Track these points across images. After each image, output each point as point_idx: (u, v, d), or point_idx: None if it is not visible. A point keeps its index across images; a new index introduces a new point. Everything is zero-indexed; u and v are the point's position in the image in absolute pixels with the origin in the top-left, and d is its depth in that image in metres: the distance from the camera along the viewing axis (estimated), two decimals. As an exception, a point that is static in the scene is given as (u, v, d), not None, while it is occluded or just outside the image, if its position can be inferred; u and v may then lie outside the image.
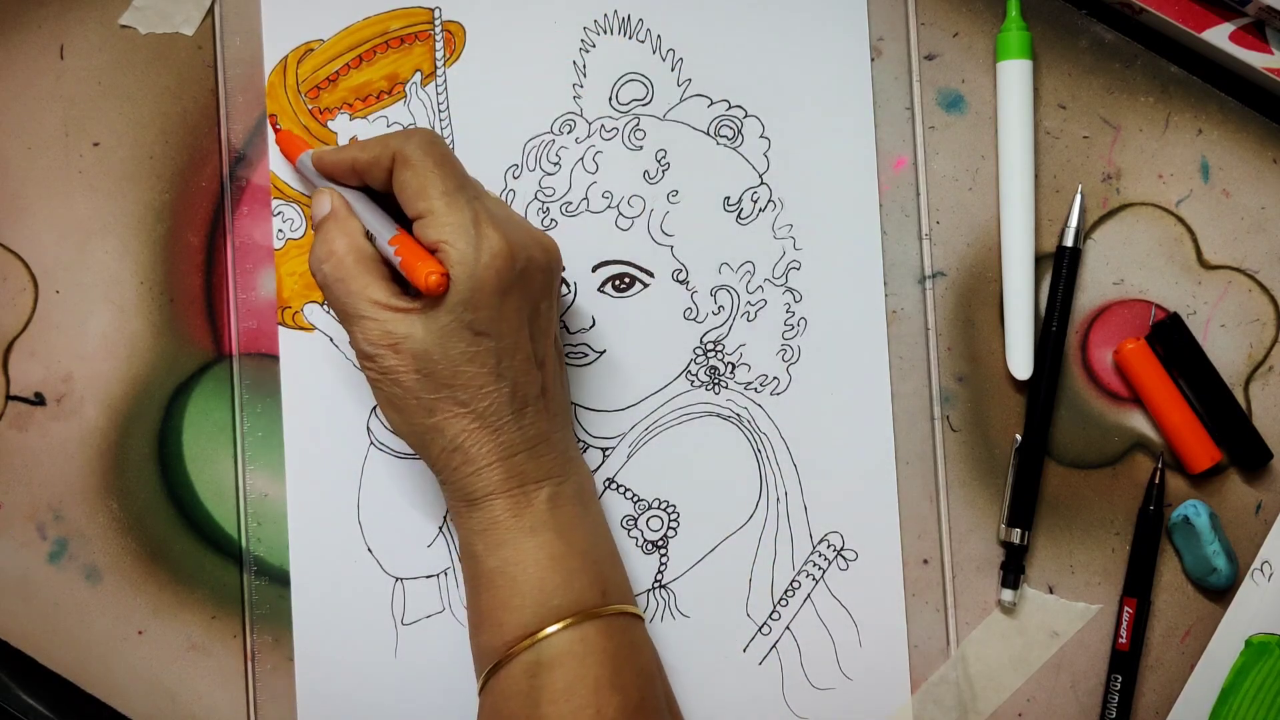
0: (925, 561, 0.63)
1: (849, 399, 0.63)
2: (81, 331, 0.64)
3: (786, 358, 0.64)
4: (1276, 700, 0.61)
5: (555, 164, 0.64)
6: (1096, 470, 0.64)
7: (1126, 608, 0.62)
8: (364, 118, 0.64)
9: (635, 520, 0.63)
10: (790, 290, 0.64)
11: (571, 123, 0.64)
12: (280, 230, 0.64)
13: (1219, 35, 0.63)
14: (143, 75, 0.64)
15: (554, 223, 0.63)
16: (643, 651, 0.57)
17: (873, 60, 0.64)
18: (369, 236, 0.56)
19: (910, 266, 0.64)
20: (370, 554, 0.63)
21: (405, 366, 0.54)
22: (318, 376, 0.63)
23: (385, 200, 0.58)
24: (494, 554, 0.55)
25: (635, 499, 0.63)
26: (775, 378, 0.64)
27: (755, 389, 0.63)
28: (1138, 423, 0.64)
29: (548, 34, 0.64)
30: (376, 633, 0.63)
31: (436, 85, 0.64)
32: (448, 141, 0.63)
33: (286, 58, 0.64)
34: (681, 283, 0.64)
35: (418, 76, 0.64)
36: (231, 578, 0.63)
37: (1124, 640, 0.62)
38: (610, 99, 0.64)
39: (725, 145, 0.64)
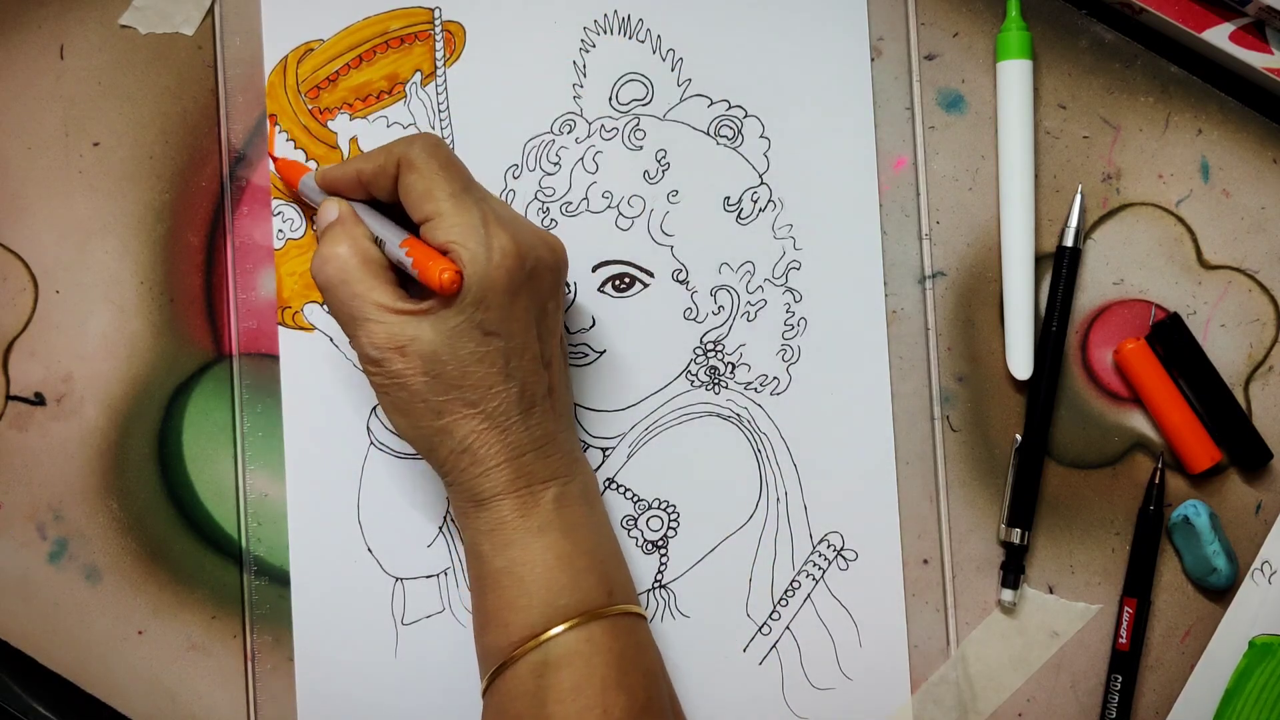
0: (925, 561, 0.63)
1: (849, 399, 0.63)
2: (81, 331, 0.64)
3: (786, 358, 0.64)
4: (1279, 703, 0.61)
5: (555, 164, 0.64)
6: (1096, 470, 0.64)
7: (1126, 608, 0.62)
8: (364, 118, 0.64)
9: (635, 520, 0.63)
10: (790, 290, 0.64)
11: (571, 123, 0.64)
12: (280, 230, 0.64)
13: (1219, 35, 0.63)
14: (143, 75, 0.64)
15: (554, 223, 0.63)
16: (648, 651, 0.57)
17: (873, 60, 0.64)
18: (377, 243, 0.56)
19: (910, 266, 0.64)
20: (370, 554, 0.63)
21: (413, 369, 0.54)
22: (318, 376, 0.63)
23: (391, 212, 0.58)
24: (501, 554, 0.55)
25: (635, 499, 0.63)
26: (775, 378, 0.64)
27: (755, 389, 0.63)
28: (1138, 423, 0.64)
29: (548, 34, 0.64)
30: (376, 633, 0.62)
31: (436, 85, 0.64)
32: (448, 142, 0.63)
33: (286, 58, 0.64)
34: (681, 283, 0.64)
35: (418, 76, 0.64)
36: (231, 578, 0.63)
37: (1124, 640, 0.62)
38: (610, 99, 0.64)
39: (725, 145, 0.64)
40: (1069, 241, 0.63)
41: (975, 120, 0.64)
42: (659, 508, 0.63)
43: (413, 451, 0.63)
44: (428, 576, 0.63)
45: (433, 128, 0.64)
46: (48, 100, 0.64)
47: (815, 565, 0.63)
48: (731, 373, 0.63)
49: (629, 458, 0.63)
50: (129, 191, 0.64)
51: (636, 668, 0.55)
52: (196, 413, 0.64)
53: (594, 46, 0.64)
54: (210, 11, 0.64)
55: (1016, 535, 0.62)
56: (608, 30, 0.64)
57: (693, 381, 0.63)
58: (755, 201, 0.64)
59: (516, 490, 0.55)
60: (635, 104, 0.64)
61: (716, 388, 0.63)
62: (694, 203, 0.64)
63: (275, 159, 0.63)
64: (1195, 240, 0.64)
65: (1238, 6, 0.62)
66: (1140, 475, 0.63)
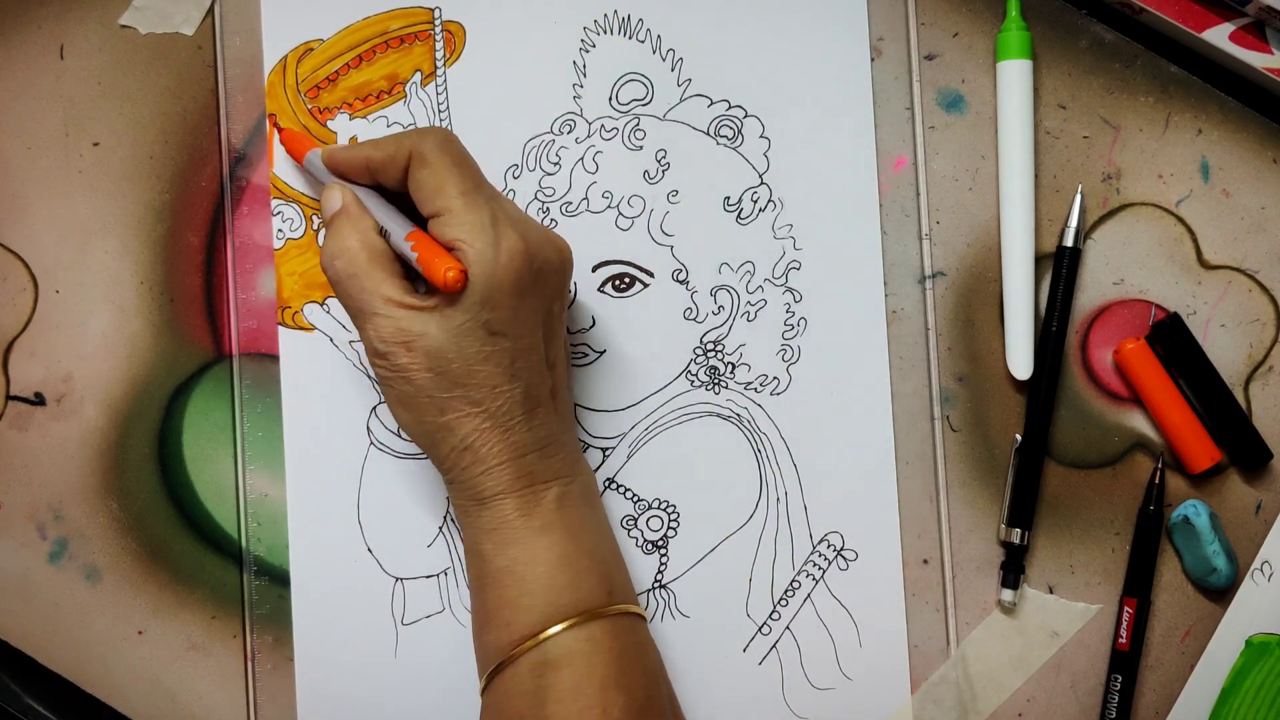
0: (925, 561, 0.63)
1: (849, 399, 0.63)
2: (81, 331, 0.64)
3: (786, 358, 0.64)
4: (1277, 700, 0.61)
5: (555, 164, 0.64)
6: (1096, 470, 0.64)
7: (1126, 608, 0.62)
8: (364, 117, 0.64)
9: (635, 520, 0.63)
10: (790, 290, 0.64)
11: (571, 123, 0.64)
12: (280, 230, 0.64)
13: (1219, 35, 0.63)
14: (143, 75, 0.64)
15: (554, 223, 0.63)
16: (647, 651, 0.57)
17: (873, 60, 0.64)
18: (382, 233, 0.56)
19: (910, 266, 0.64)
20: (370, 554, 0.63)
21: (418, 365, 0.54)
22: (318, 376, 0.63)
23: (395, 199, 0.58)
24: (502, 553, 0.55)
25: (635, 499, 0.63)
26: (775, 378, 0.64)
27: (755, 389, 0.63)
28: (1138, 423, 0.64)
29: (548, 34, 0.64)
30: (376, 633, 0.62)
31: (436, 85, 0.64)
32: (449, 141, 0.63)
33: (286, 57, 0.64)
34: (681, 283, 0.64)
35: (418, 76, 0.64)
36: (231, 578, 0.63)
37: (1124, 640, 0.62)
38: (610, 99, 0.64)
39: (725, 145, 0.64)
40: (1069, 241, 0.63)
41: (975, 120, 0.64)
42: (659, 508, 0.63)
43: (413, 452, 0.63)
44: (428, 576, 0.63)
45: (444, 127, 0.63)
46: (48, 100, 0.64)
47: (815, 565, 0.63)
48: (731, 373, 0.63)
49: (629, 458, 0.63)
50: (129, 191, 0.64)
51: (636, 667, 0.55)
52: (196, 413, 0.64)
53: (594, 46, 0.64)
54: (210, 11, 0.64)
55: (1016, 535, 0.62)
56: (608, 30, 0.64)
57: (693, 381, 0.63)
58: (755, 201, 0.64)
59: (519, 490, 0.55)
60: (635, 104, 0.64)
61: (716, 388, 0.63)
62: (694, 203, 0.64)
63: (281, 129, 0.63)
64: (1195, 240, 0.64)
65: (1238, 6, 0.62)
66: (1140, 475, 0.63)
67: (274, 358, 0.63)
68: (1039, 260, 0.63)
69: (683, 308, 0.64)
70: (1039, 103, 0.64)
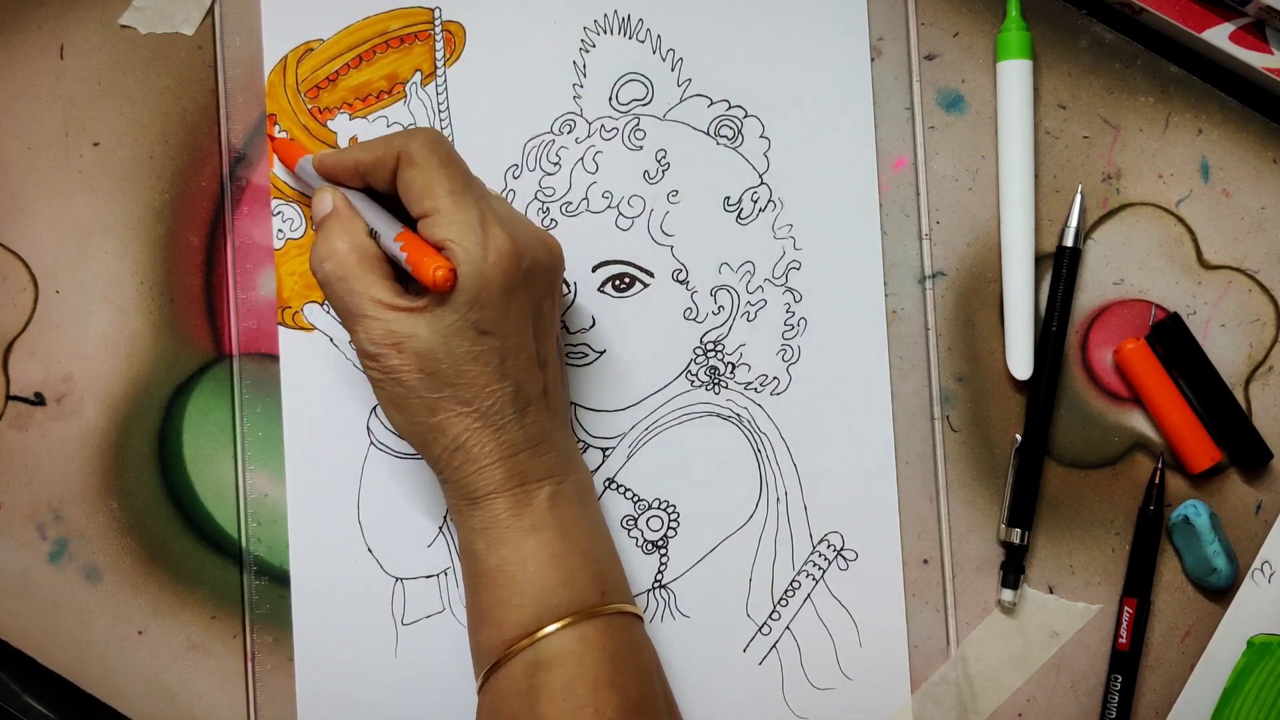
0: (925, 561, 0.63)
1: (849, 399, 0.63)
2: (81, 331, 0.64)
3: (786, 358, 0.64)
4: (1278, 701, 0.61)
5: (555, 164, 0.64)
6: (1096, 470, 0.64)
7: (1126, 608, 0.62)
8: (364, 117, 0.64)
9: (635, 520, 0.63)
10: (790, 290, 0.64)
11: (571, 123, 0.64)
12: (280, 230, 0.64)
13: (1219, 35, 0.63)
14: (143, 75, 0.64)
15: (554, 223, 0.63)
16: (642, 651, 0.57)
17: (873, 60, 0.64)
18: (372, 235, 0.56)
19: (910, 266, 0.64)
20: (370, 554, 0.63)
21: (408, 366, 0.54)
22: (318, 376, 0.63)
23: (387, 202, 0.58)
24: (494, 552, 0.55)
25: (635, 499, 0.63)
26: (775, 378, 0.64)
27: (755, 389, 0.63)
28: (1138, 423, 0.64)
29: (548, 34, 0.64)
30: (376, 633, 0.63)
31: (436, 85, 0.64)
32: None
33: (286, 57, 0.64)
34: (681, 283, 0.64)
35: (418, 76, 0.64)
36: (231, 578, 0.63)
37: (1124, 640, 0.62)
38: (610, 99, 0.64)
39: (725, 145, 0.64)
40: (1069, 241, 0.63)
41: (975, 120, 0.64)
42: (659, 508, 0.63)
43: (413, 452, 0.63)
44: (428, 576, 0.63)
45: (432, 127, 0.63)
46: (48, 100, 0.64)
47: (815, 565, 0.63)
48: (731, 373, 0.63)
49: (629, 458, 0.63)
50: (129, 191, 0.64)
51: (629, 667, 0.55)
52: (196, 413, 0.64)
53: (594, 46, 0.64)
54: (210, 11, 0.64)
55: (1016, 535, 0.62)
56: (608, 30, 0.64)
57: (693, 381, 0.63)
58: (755, 201, 0.64)
59: (510, 489, 0.55)
60: (635, 104, 0.64)
61: (716, 388, 0.63)
62: (694, 203, 0.64)
63: (273, 139, 0.63)
64: (1195, 240, 0.64)
65: (1238, 6, 0.62)
66: (1140, 475, 0.63)
67: (274, 358, 0.63)
68: (1039, 260, 0.63)
69: (683, 308, 0.64)
70: (1039, 103, 0.64)
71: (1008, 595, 0.62)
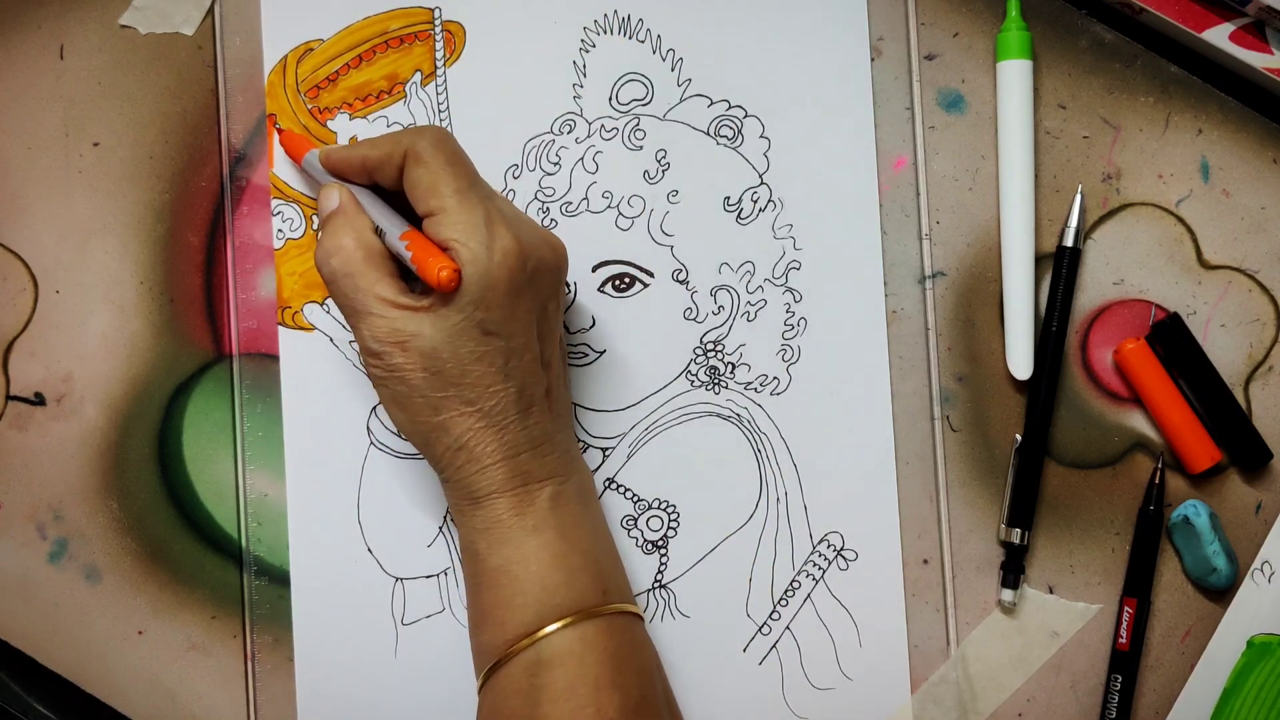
0: (925, 561, 0.63)
1: (849, 399, 0.63)
2: (81, 331, 0.64)
3: (786, 358, 0.64)
4: (1278, 701, 0.61)
5: (555, 164, 0.64)
6: (1096, 470, 0.64)
7: (1126, 608, 0.62)
8: (364, 117, 0.64)
9: (635, 520, 0.63)
10: (790, 290, 0.64)
11: (571, 123, 0.64)
12: (280, 230, 0.64)
13: (1219, 35, 0.63)
14: (143, 75, 0.64)
15: (554, 223, 0.63)
16: (643, 650, 0.57)
17: (873, 60, 0.64)
18: (378, 233, 0.56)
19: (910, 266, 0.64)
20: (370, 554, 0.63)
21: (412, 365, 0.54)
22: (318, 376, 0.63)
23: (393, 199, 0.58)
24: (496, 552, 0.55)
25: (635, 499, 0.63)
26: (775, 378, 0.64)
27: (755, 389, 0.63)
28: (1138, 423, 0.64)
29: (548, 34, 0.64)
30: (376, 633, 0.62)
31: (436, 85, 0.64)
32: (448, 141, 0.63)
33: (286, 57, 0.64)
34: (681, 283, 0.64)
35: (418, 76, 0.64)
36: (231, 578, 0.63)
37: (1124, 640, 0.62)
38: (610, 99, 0.64)
39: (725, 145, 0.64)
40: (1069, 241, 0.63)
41: (975, 120, 0.64)
42: (659, 508, 0.63)
43: (413, 452, 0.63)
44: (428, 576, 0.63)
45: (441, 126, 0.63)
46: (48, 100, 0.64)
47: (815, 565, 0.63)
48: (731, 373, 0.63)
49: (629, 458, 0.63)
50: (129, 191, 0.64)
51: (631, 667, 0.55)
52: (196, 413, 0.64)
53: (594, 46, 0.64)
54: (210, 11, 0.64)
55: (1016, 535, 0.62)
56: (608, 30, 0.64)
57: (693, 381, 0.63)
58: (755, 201, 0.64)
59: (512, 489, 0.55)
60: (635, 104, 0.64)
61: (716, 388, 0.63)
62: (694, 203, 0.64)
63: (280, 131, 0.63)
64: (1195, 240, 0.64)
65: (1238, 6, 0.62)
66: (1140, 475, 0.63)
67: (274, 358, 0.63)
68: (1039, 260, 0.63)
69: (683, 308, 0.64)
70: (1039, 103, 0.64)
71: (1008, 595, 0.62)
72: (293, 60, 0.64)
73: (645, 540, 0.63)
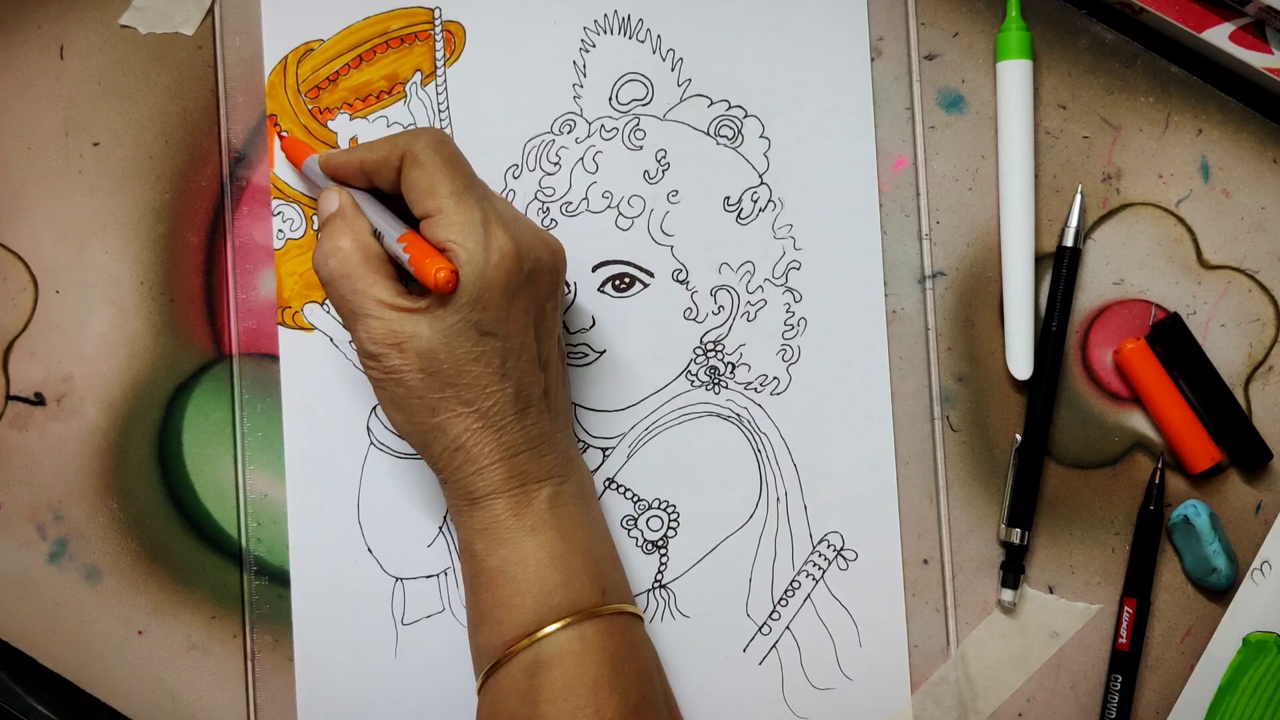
0: (925, 561, 0.63)
1: (849, 399, 0.63)
2: (81, 331, 0.64)
3: (786, 358, 0.64)
4: (1274, 698, 0.61)
5: (555, 164, 0.64)
6: (1096, 470, 0.64)
7: (1126, 608, 0.62)
8: (364, 118, 0.64)
9: (635, 520, 0.63)
10: (790, 290, 0.64)
11: (571, 123, 0.64)
12: (280, 230, 0.64)
13: (1219, 35, 0.63)
14: (143, 75, 0.64)
15: (554, 223, 0.64)
16: (642, 651, 0.57)
17: (873, 60, 0.64)
18: (376, 235, 0.56)
19: (910, 266, 0.64)
20: (370, 554, 0.63)
21: (410, 366, 0.54)
22: (318, 376, 0.63)
23: (392, 203, 0.58)
24: (494, 553, 0.55)
25: (635, 499, 0.63)
26: (775, 378, 0.64)
27: (755, 389, 0.63)
28: (1138, 423, 0.64)
29: (548, 34, 0.64)
30: (376, 633, 0.63)
31: (436, 85, 0.64)
32: (448, 141, 0.63)
33: (286, 58, 0.64)
34: (681, 283, 0.64)
35: (418, 76, 0.64)
36: (231, 578, 0.63)
37: (1124, 640, 0.62)
38: (610, 99, 0.64)
39: (725, 145, 0.64)
40: (1069, 241, 0.63)
41: (975, 120, 0.64)
42: (659, 508, 0.63)
43: (412, 452, 0.63)
44: (428, 576, 0.63)
45: (438, 128, 0.63)
46: (48, 100, 0.64)
47: (815, 565, 0.63)
48: (731, 373, 0.63)
49: (629, 458, 0.63)
50: (129, 191, 0.64)
51: (630, 667, 0.55)
52: (196, 413, 0.64)
53: (594, 46, 0.64)
54: (210, 11, 0.64)
55: (1016, 535, 0.62)
56: (608, 30, 0.64)
57: (693, 381, 0.63)
58: (755, 201, 0.64)
59: (510, 489, 0.55)
60: (635, 104, 0.64)
61: (716, 388, 0.63)
62: (694, 203, 0.64)
63: (282, 138, 0.63)
64: (1195, 240, 0.64)
65: (1238, 6, 0.62)
66: (1140, 475, 0.63)
67: (274, 358, 0.64)
68: (1039, 260, 0.63)
69: (683, 308, 0.64)
70: (1039, 103, 0.64)
71: (1008, 595, 0.62)
72: (293, 60, 0.64)
73: (645, 540, 0.63)
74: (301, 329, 0.63)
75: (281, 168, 0.64)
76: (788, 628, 0.63)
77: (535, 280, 0.55)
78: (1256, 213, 0.64)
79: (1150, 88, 0.64)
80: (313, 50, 0.64)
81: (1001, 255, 0.63)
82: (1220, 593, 0.63)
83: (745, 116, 0.64)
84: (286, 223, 0.64)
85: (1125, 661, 0.62)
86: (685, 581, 0.63)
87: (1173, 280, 0.64)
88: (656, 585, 0.63)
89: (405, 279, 0.56)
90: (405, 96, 0.64)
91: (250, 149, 0.64)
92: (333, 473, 0.63)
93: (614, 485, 0.63)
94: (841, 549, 0.63)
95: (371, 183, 0.58)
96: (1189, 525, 0.62)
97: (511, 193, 0.64)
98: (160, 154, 0.64)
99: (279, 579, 0.63)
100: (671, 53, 0.64)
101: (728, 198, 0.64)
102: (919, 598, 0.63)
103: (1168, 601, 0.63)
